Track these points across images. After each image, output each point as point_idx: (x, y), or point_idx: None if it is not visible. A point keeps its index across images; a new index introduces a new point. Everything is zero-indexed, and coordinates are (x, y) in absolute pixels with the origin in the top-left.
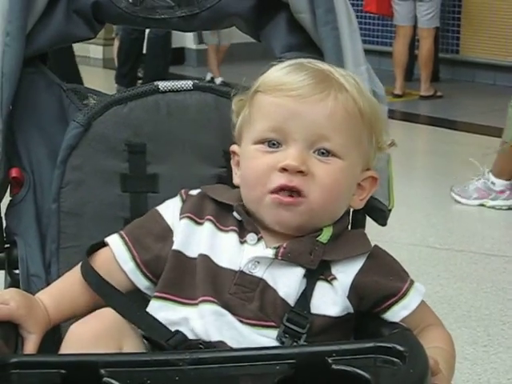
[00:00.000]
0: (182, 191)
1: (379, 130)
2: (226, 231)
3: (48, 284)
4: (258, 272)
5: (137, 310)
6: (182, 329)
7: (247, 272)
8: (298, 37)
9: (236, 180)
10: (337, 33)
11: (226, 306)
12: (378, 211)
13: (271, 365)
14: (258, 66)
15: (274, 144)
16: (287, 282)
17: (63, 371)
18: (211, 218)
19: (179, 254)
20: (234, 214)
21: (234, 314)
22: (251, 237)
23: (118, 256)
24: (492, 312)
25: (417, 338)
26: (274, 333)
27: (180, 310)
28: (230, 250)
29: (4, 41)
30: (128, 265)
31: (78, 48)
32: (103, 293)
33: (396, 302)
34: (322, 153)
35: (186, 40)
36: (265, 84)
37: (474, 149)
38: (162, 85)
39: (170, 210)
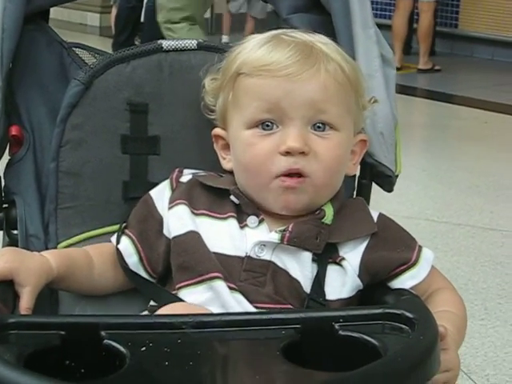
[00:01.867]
0: (173, 176)
1: (362, 90)
2: (224, 218)
3: (46, 246)
4: (266, 255)
5: (169, 296)
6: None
7: (254, 256)
8: None
9: (227, 165)
10: None
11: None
12: (385, 177)
13: (276, 329)
14: None
15: (267, 125)
16: (297, 266)
17: (63, 332)
18: (205, 211)
19: (178, 238)
20: (232, 197)
21: (248, 300)
22: (252, 220)
23: (123, 250)
24: (489, 286)
25: (425, 305)
26: None
27: (200, 289)
28: (232, 237)
29: None
30: (132, 258)
31: (75, 15)
32: (137, 281)
33: (405, 270)
34: (319, 127)
35: None
36: (248, 65)
37: (470, 122)
38: (166, 44)
39: (161, 200)
